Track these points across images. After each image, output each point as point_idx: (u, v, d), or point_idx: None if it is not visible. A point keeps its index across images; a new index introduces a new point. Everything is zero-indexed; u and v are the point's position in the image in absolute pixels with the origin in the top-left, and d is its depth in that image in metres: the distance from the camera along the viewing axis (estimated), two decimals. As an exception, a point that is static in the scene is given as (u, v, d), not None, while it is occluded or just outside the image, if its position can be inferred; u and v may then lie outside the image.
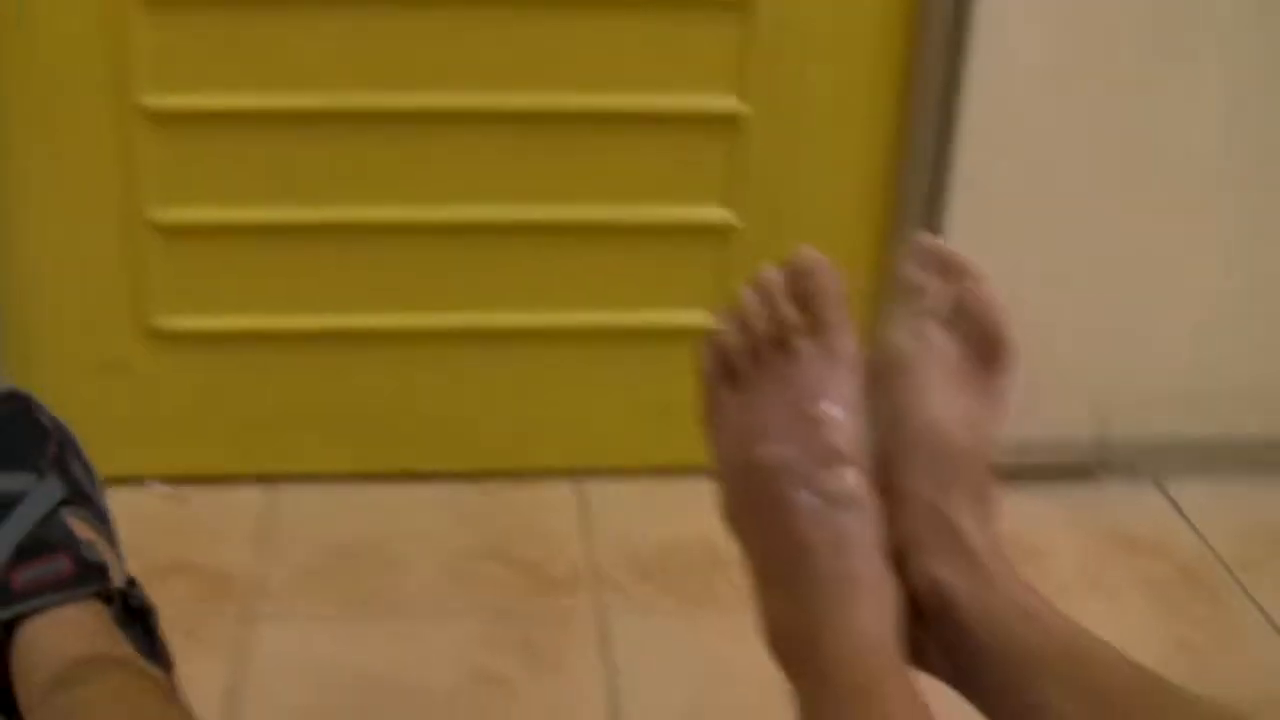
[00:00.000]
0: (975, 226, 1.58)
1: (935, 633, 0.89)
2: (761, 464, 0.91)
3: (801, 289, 0.93)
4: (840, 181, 1.60)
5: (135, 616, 0.99)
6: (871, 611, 0.86)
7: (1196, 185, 1.63)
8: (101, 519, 1.06)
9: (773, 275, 0.94)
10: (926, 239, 0.97)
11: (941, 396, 0.93)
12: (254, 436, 1.65)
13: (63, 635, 0.94)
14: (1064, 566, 1.58)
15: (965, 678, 0.88)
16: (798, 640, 0.88)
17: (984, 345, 0.95)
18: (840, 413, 0.91)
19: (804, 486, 0.89)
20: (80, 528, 1.00)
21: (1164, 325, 1.68)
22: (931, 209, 1.59)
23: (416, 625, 1.43)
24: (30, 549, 0.96)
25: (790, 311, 0.92)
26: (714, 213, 1.59)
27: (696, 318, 1.60)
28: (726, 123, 1.54)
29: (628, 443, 1.67)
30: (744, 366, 0.94)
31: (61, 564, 0.95)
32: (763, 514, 0.91)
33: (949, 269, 0.96)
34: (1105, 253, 1.63)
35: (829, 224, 1.60)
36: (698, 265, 1.60)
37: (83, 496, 1.04)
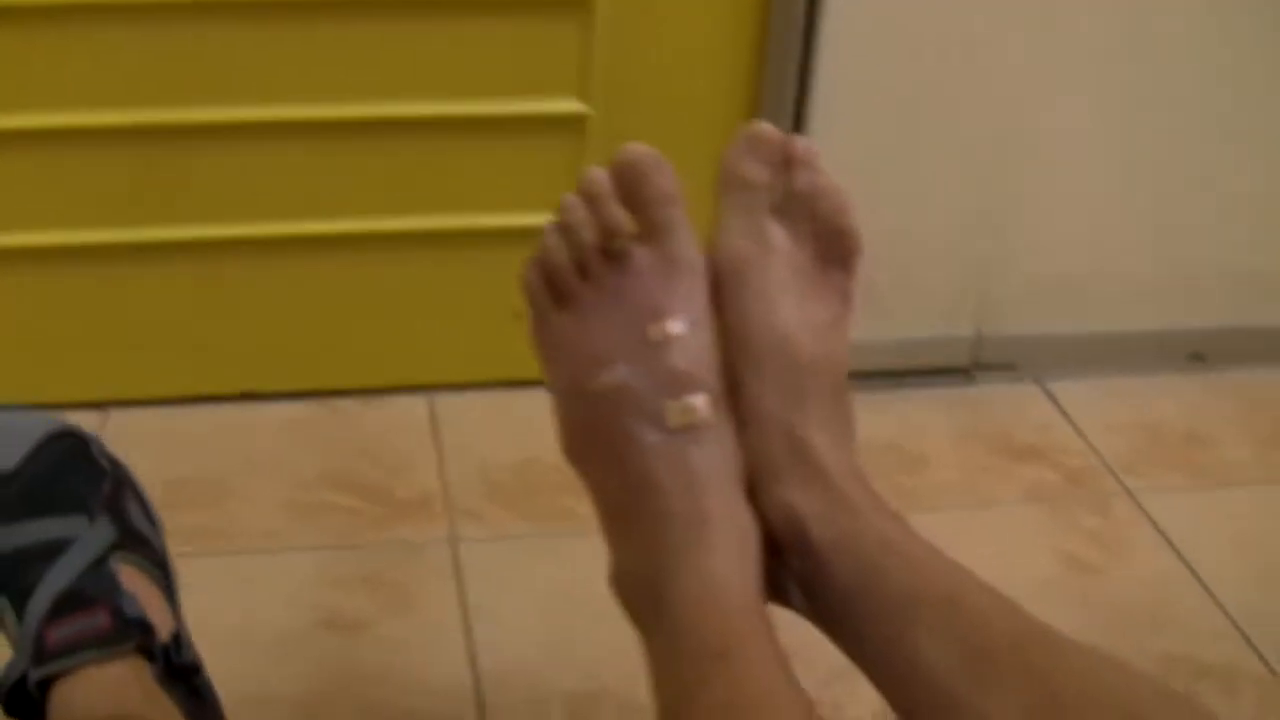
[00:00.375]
0: (842, 113, 1.48)
1: (794, 568, 0.81)
2: (598, 393, 0.82)
3: (631, 190, 0.83)
4: (700, 66, 1.48)
5: (181, 675, 0.91)
6: (727, 556, 0.78)
7: (1076, 62, 1.53)
8: (158, 564, 0.97)
9: (598, 176, 0.84)
10: (761, 127, 0.87)
11: (786, 303, 0.84)
12: (80, 359, 1.52)
13: (96, 695, 0.85)
14: (944, 476, 1.50)
15: (829, 620, 0.80)
16: (644, 589, 0.80)
17: (829, 243, 0.86)
18: (683, 329, 0.82)
19: (647, 417, 0.81)
20: (129, 576, 0.91)
21: (1045, 215, 1.59)
22: (797, 93, 1.48)
23: (256, 564, 1.33)
24: (69, 602, 0.87)
25: (618, 215, 0.83)
26: (567, 104, 1.47)
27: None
28: (578, 6, 1.42)
29: (482, 354, 1.57)
30: (572, 283, 0.84)
31: (99, 619, 0.87)
32: (603, 449, 0.83)
33: (788, 160, 0.86)
34: (981, 137, 1.53)
35: (689, 113, 1.49)
36: (551, 162, 1.48)
37: (137, 539, 0.95)
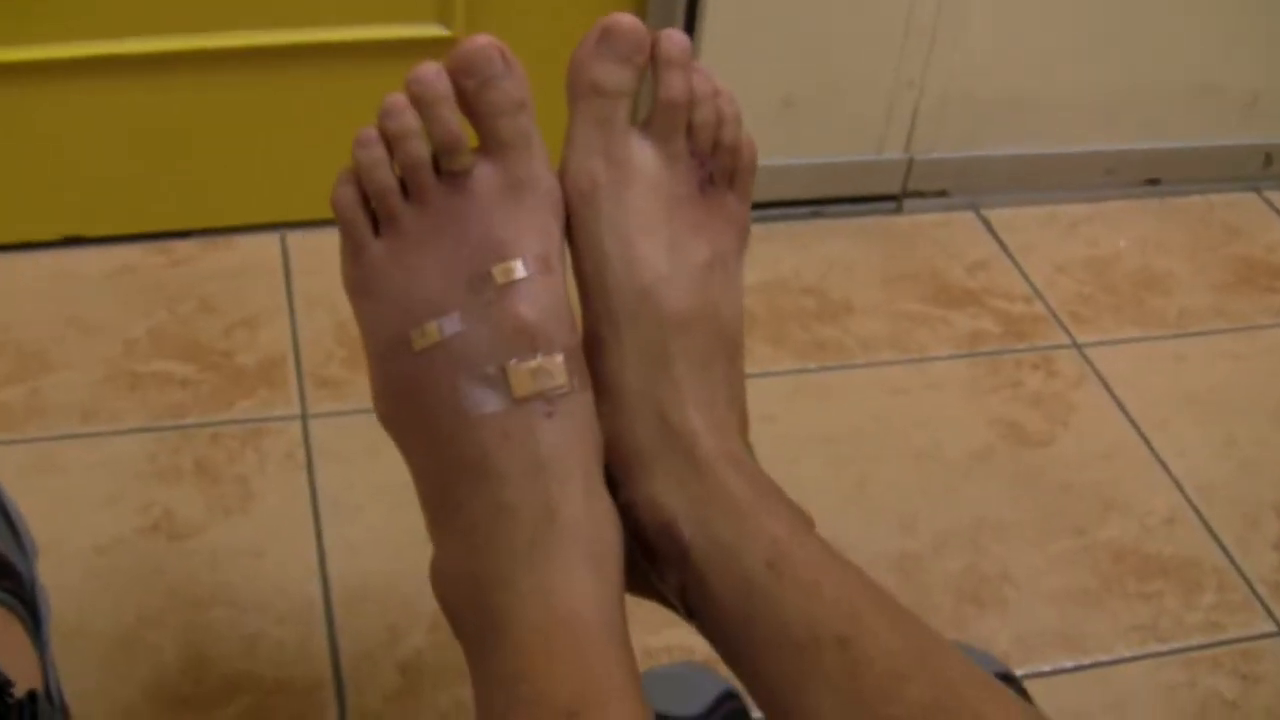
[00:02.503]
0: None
1: (668, 577, 0.64)
2: (421, 347, 0.64)
3: (472, 93, 0.64)
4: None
5: None
6: (580, 568, 0.61)
7: None
8: (24, 599, 0.78)
9: (431, 74, 0.64)
10: (619, 18, 0.67)
11: (650, 241, 0.66)
12: None
13: None
14: (869, 326, 1.32)
15: (714, 638, 0.64)
16: (471, 597, 0.62)
17: (713, 160, 0.69)
18: (533, 270, 0.64)
19: (484, 381, 0.63)
20: None
21: (982, 22, 1.38)
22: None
23: (70, 452, 1.13)
24: None
25: (455, 124, 0.64)
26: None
27: (423, 30, 1.27)
28: None
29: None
30: (395, 207, 0.65)
31: None
32: (427, 417, 0.64)
33: (656, 60, 0.67)
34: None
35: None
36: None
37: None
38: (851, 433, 1.21)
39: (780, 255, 1.39)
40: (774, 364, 1.27)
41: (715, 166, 0.69)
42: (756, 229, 1.41)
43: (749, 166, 0.71)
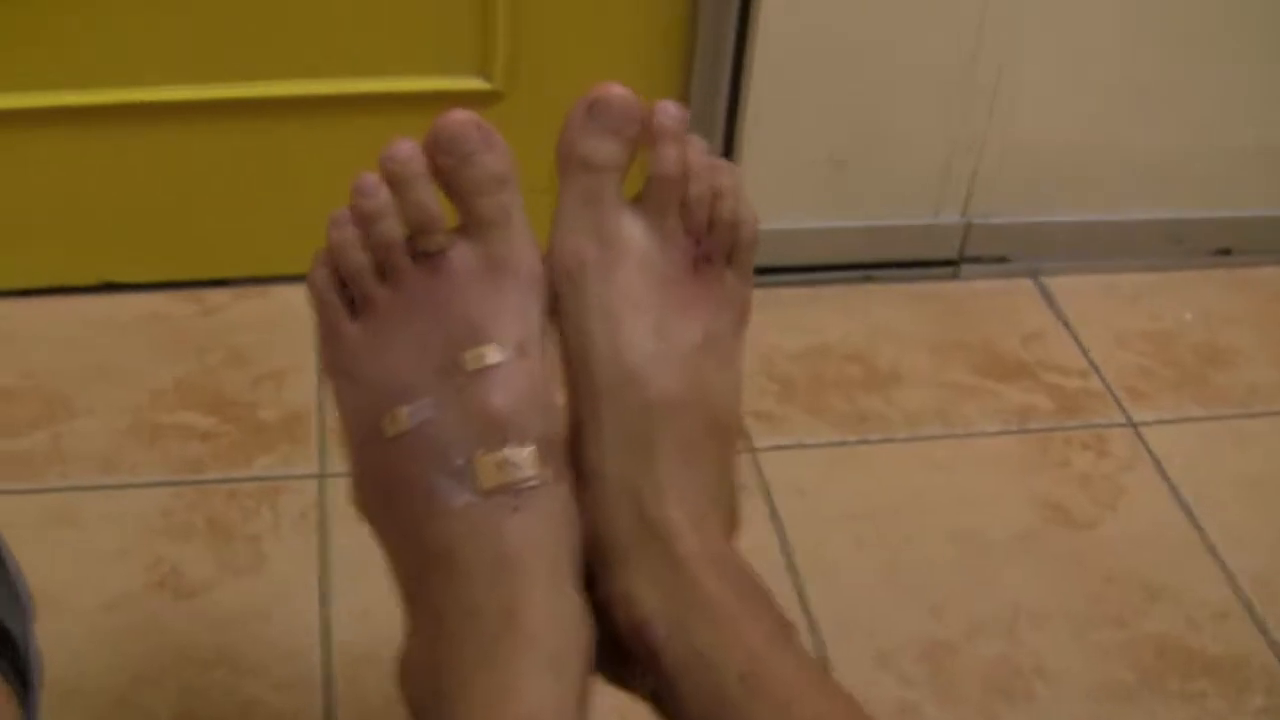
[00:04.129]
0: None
1: (641, 679, 0.60)
2: (392, 434, 0.61)
3: (448, 171, 0.62)
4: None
5: None
6: (538, 675, 0.57)
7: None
8: (16, 667, 0.76)
9: (405, 151, 0.61)
10: (609, 89, 0.64)
11: (637, 322, 0.63)
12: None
13: None
14: (916, 397, 1.27)
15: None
16: (429, 695, 0.59)
17: (710, 237, 0.66)
18: (507, 356, 0.61)
19: (452, 472, 0.59)
20: None
21: (1043, 82, 1.33)
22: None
23: (84, 503, 1.12)
24: None
25: (431, 203, 0.62)
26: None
27: (463, 83, 1.25)
28: None
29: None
30: (369, 288, 0.63)
31: None
32: (400, 508, 0.62)
33: (649, 133, 0.64)
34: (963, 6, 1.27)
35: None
36: (455, 23, 1.23)
37: None
38: (887, 510, 1.16)
39: (827, 321, 1.35)
40: (810, 435, 1.22)
41: (712, 243, 0.66)
42: (803, 293, 1.38)
43: (749, 242, 0.68)
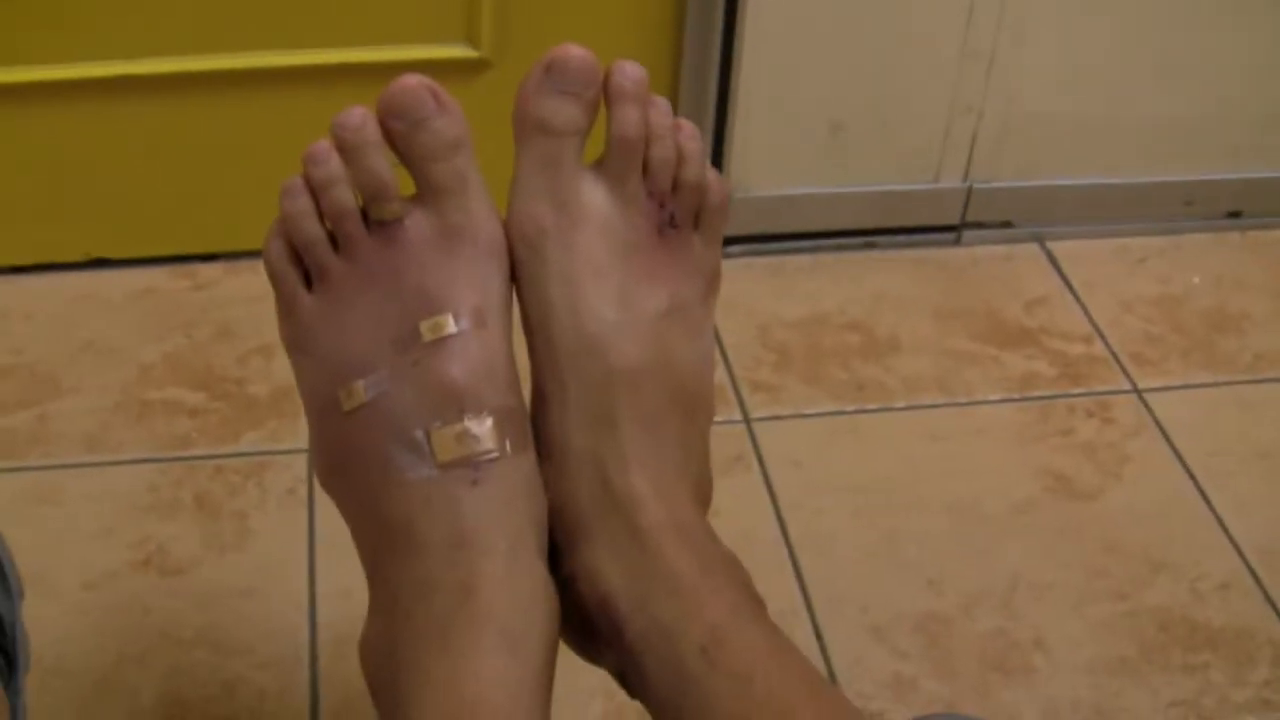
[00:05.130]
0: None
1: (606, 655, 0.59)
2: (349, 408, 0.60)
3: (401, 137, 0.60)
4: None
5: None
6: (491, 648, 0.56)
7: None
8: (2, 648, 0.76)
9: (356, 118, 0.60)
10: (566, 50, 0.62)
11: (599, 289, 0.61)
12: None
13: None
14: (916, 365, 1.25)
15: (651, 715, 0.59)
16: (386, 673, 0.58)
17: (676, 201, 0.64)
18: (464, 325, 0.59)
19: (407, 444, 0.58)
20: None
21: (1047, 42, 1.30)
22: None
23: (70, 481, 1.11)
24: None
25: (384, 170, 0.60)
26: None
27: (451, 51, 1.23)
28: None
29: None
30: (324, 260, 0.61)
31: None
32: (358, 480, 0.61)
33: (608, 94, 0.62)
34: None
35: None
36: None
37: None
38: (884, 481, 1.14)
39: (826, 289, 1.33)
40: (808, 405, 1.20)
41: (677, 207, 0.64)
42: (802, 260, 1.36)
43: (718, 206, 0.66)
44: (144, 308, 1.27)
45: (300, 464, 1.12)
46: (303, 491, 1.10)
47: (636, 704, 0.58)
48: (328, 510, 1.07)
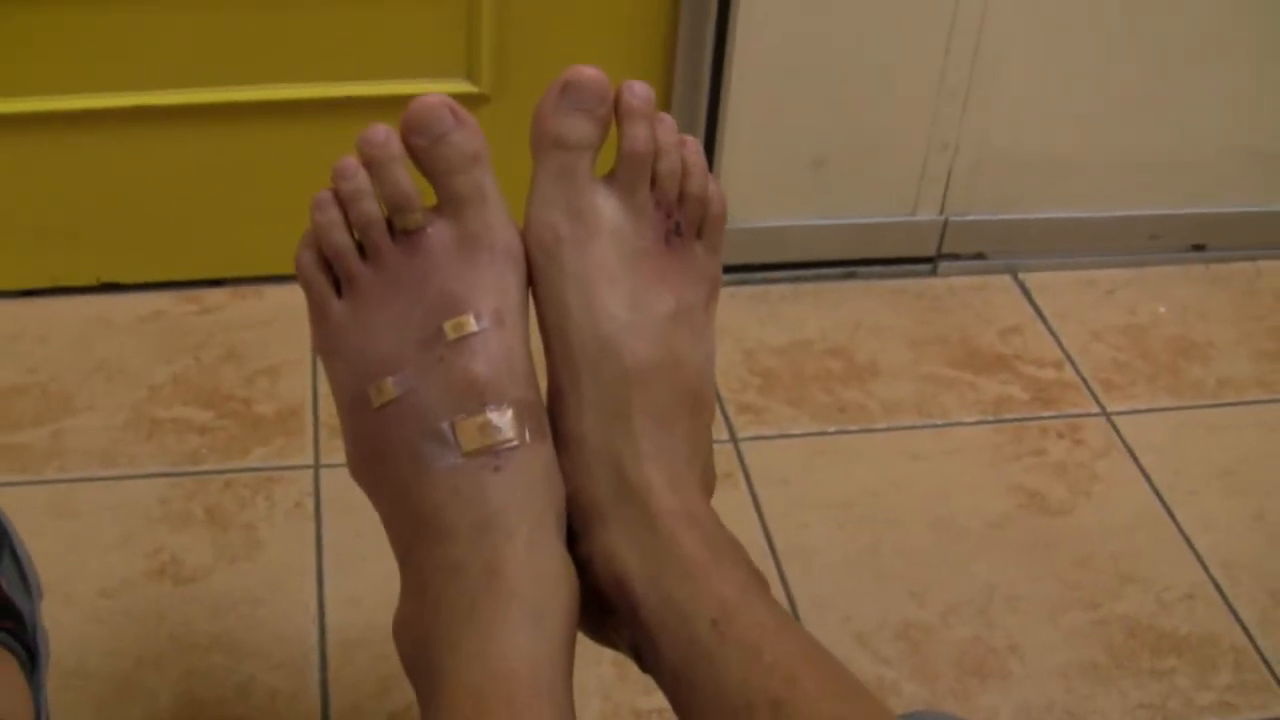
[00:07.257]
0: None
1: (622, 633, 0.64)
2: (379, 404, 0.64)
3: (422, 152, 0.66)
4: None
5: None
6: (519, 629, 0.60)
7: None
8: (25, 643, 0.80)
9: (380, 135, 0.65)
10: (580, 71, 0.67)
11: (612, 292, 0.66)
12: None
13: None
14: (894, 390, 1.31)
15: (670, 702, 0.63)
16: (420, 651, 0.63)
17: (681, 213, 0.69)
18: (485, 324, 0.64)
19: (435, 437, 0.63)
20: None
21: (1021, 81, 1.37)
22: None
23: (85, 494, 1.15)
24: None
25: (406, 182, 0.65)
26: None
27: (451, 86, 1.28)
28: None
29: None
30: (352, 267, 0.66)
31: None
32: (390, 473, 0.65)
33: (618, 111, 0.68)
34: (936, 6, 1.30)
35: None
36: (444, 28, 1.27)
37: (4, 611, 0.79)
38: (866, 497, 1.19)
39: (808, 316, 1.38)
40: (792, 426, 1.26)
41: (682, 217, 0.70)
42: (785, 289, 1.42)
43: (718, 217, 0.71)
44: (153, 330, 1.32)
45: (307, 479, 1.17)
46: (310, 505, 1.15)
47: (635, 704, 0.63)
48: (334, 522, 1.12)
